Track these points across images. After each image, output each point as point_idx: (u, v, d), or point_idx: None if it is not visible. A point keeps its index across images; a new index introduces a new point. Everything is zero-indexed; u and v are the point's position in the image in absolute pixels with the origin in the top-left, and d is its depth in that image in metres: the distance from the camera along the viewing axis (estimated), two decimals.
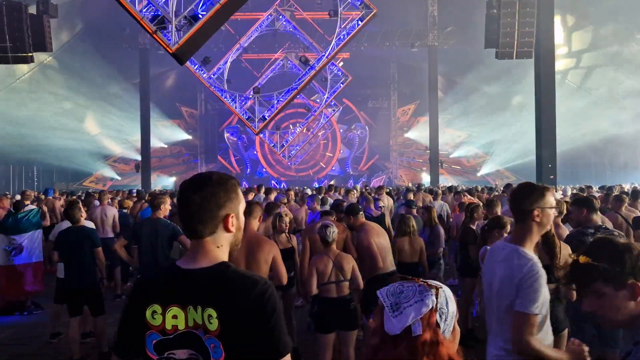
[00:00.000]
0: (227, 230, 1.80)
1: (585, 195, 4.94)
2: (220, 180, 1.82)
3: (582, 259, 1.73)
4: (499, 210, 6.77)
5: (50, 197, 11.42)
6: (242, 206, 1.86)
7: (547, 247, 4.07)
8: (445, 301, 1.48)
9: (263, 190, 11.70)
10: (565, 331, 4.09)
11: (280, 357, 1.66)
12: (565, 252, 4.21)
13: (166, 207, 6.05)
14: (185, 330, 1.68)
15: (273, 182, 33.98)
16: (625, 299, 1.68)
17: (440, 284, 1.52)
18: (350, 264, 4.89)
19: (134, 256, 6.39)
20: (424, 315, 1.44)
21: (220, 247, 1.79)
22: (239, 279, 1.71)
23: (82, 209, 6.29)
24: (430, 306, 1.45)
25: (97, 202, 9.99)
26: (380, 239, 5.61)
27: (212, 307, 1.66)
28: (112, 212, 9.37)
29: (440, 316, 1.45)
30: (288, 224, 6.33)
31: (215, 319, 1.65)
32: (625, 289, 1.68)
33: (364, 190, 14.94)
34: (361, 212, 5.89)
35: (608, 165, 31.55)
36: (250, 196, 10.10)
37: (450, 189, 13.92)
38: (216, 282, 1.70)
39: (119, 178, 34.55)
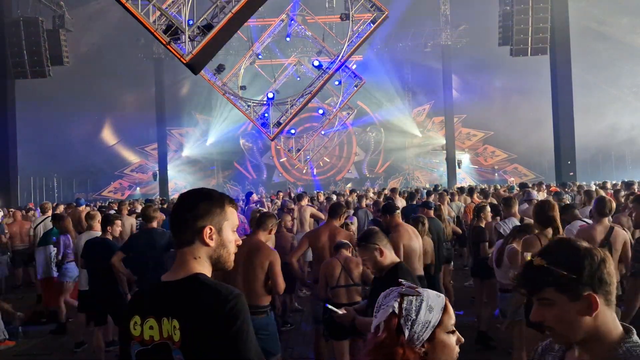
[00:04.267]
0: (204, 242, 1.80)
1: None
2: (206, 194, 1.87)
3: (537, 260, 1.50)
4: (516, 210, 6.61)
5: (81, 207, 11.57)
6: (228, 223, 1.86)
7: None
8: (416, 309, 1.49)
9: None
10: None
11: None
12: None
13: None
14: (160, 341, 1.72)
15: (289, 186, 33.99)
16: (580, 313, 1.45)
17: (423, 291, 1.54)
18: (360, 267, 4.88)
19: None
20: (386, 318, 1.49)
21: (198, 258, 1.80)
22: (205, 290, 1.71)
23: (116, 224, 6.28)
24: (390, 310, 1.49)
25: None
26: (412, 242, 5.53)
27: (176, 319, 1.69)
28: (130, 221, 9.38)
29: (405, 322, 1.48)
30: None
31: (178, 330, 1.68)
32: (580, 301, 1.45)
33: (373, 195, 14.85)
34: (398, 211, 5.82)
35: (629, 158, 30.99)
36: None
37: (462, 189, 13.81)
38: (183, 294, 1.72)
39: (137, 187, 34.90)
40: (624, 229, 5.12)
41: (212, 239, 1.81)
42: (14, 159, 20.49)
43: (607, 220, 4.89)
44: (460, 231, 9.36)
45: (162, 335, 1.71)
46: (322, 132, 28.12)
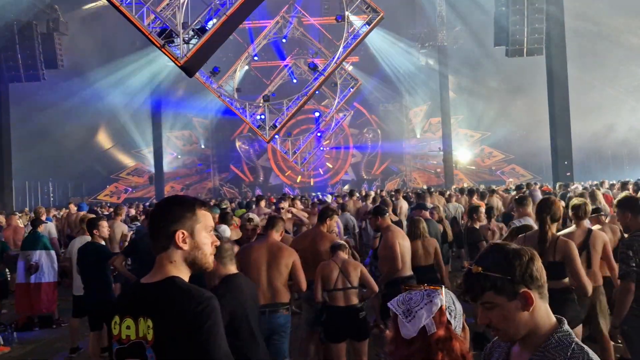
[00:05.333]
0: (177, 246, 1.88)
1: (630, 196, 4.71)
2: (177, 200, 1.96)
3: (474, 268, 1.61)
4: (530, 209, 6.10)
5: (82, 212, 11.47)
6: (200, 226, 1.92)
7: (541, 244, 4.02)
8: (451, 300, 1.62)
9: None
10: (579, 328, 4.02)
11: None
12: (566, 249, 4.13)
13: None
14: (136, 340, 1.81)
15: (286, 189, 33.97)
16: (518, 310, 1.58)
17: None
18: (357, 269, 4.84)
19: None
20: (435, 314, 1.57)
21: (174, 262, 1.89)
22: (179, 292, 1.80)
23: (100, 225, 6.23)
24: (440, 304, 1.58)
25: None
26: (404, 242, 5.63)
27: (151, 318, 1.78)
28: (121, 228, 9.09)
29: (449, 314, 1.59)
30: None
31: (151, 330, 1.77)
32: (518, 299, 1.58)
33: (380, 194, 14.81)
34: (388, 214, 5.89)
35: (626, 158, 31.03)
36: (262, 204, 10.09)
37: (461, 190, 13.81)
38: (158, 295, 1.82)
39: (133, 191, 34.76)
40: (618, 230, 5.13)
41: (185, 242, 1.89)
42: (8, 163, 20.38)
43: (584, 224, 4.90)
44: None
45: (137, 335, 1.80)
46: (319, 134, 28.13)
